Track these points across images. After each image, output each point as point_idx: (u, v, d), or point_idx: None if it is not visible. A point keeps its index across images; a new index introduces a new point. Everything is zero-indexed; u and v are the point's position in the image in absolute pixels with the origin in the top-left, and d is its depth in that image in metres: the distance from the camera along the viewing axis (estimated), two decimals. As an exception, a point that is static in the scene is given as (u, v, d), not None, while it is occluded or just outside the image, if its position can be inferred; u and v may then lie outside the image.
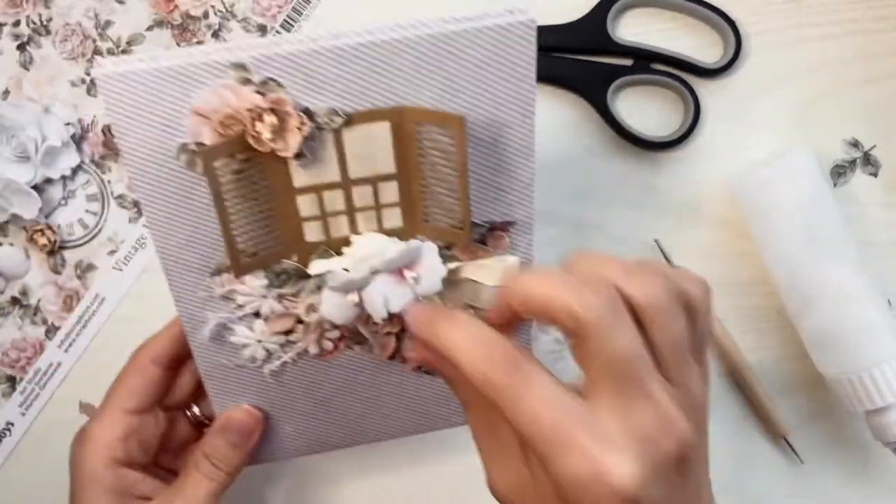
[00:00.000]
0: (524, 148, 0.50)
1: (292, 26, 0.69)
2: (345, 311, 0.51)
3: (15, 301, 0.70)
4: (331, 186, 0.49)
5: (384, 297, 0.49)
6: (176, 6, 0.68)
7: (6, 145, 0.66)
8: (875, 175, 0.68)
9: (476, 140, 0.49)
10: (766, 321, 0.68)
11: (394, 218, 0.51)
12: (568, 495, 0.38)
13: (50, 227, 0.68)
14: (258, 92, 0.45)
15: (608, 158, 0.69)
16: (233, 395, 0.57)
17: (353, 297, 0.50)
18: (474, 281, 0.52)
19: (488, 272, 0.52)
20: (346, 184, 0.49)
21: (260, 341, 0.55)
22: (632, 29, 0.68)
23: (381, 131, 0.48)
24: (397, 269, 0.50)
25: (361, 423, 0.60)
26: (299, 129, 0.46)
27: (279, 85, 0.46)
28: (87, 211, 0.69)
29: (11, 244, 0.69)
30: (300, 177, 0.49)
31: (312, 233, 0.51)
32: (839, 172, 0.68)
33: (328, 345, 0.55)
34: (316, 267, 0.52)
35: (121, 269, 0.70)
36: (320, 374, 0.57)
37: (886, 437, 0.62)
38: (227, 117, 0.46)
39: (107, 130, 0.68)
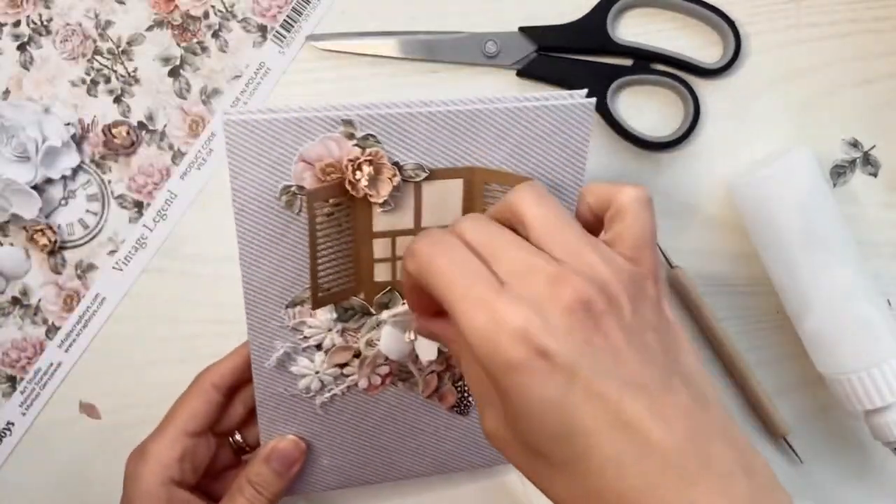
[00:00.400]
0: (572, 206, 0.55)
1: (292, 27, 0.69)
2: (400, 347, 0.58)
3: (15, 301, 0.70)
4: (404, 233, 0.55)
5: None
6: (176, 6, 0.69)
7: (6, 145, 0.66)
8: (875, 175, 0.68)
9: None
10: (765, 321, 0.69)
11: None
12: (479, 353, 0.40)
13: (50, 227, 0.68)
14: (358, 146, 0.52)
15: (608, 158, 0.69)
16: (280, 424, 0.61)
17: (410, 335, 0.57)
18: None
19: None
20: (417, 230, 0.55)
21: (317, 373, 0.59)
22: (632, 29, 0.68)
23: (455, 187, 0.54)
24: None
25: (393, 460, 0.64)
26: (391, 179, 0.52)
27: (377, 141, 0.52)
28: (87, 211, 0.69)
29: (12, 244, 0.69)
30: (380, 222, 0.55)
31: (381, 273, 0.57)
32: (839, 172, 0.68)
33: (377, 380, 0.60)
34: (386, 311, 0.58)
35: (121, 269, 0.70)
36: (364, 407, 0.62)
37: (886, 436, 0.62)
38: (329, 165, 0.52)
39: (107, 130, 0.68)
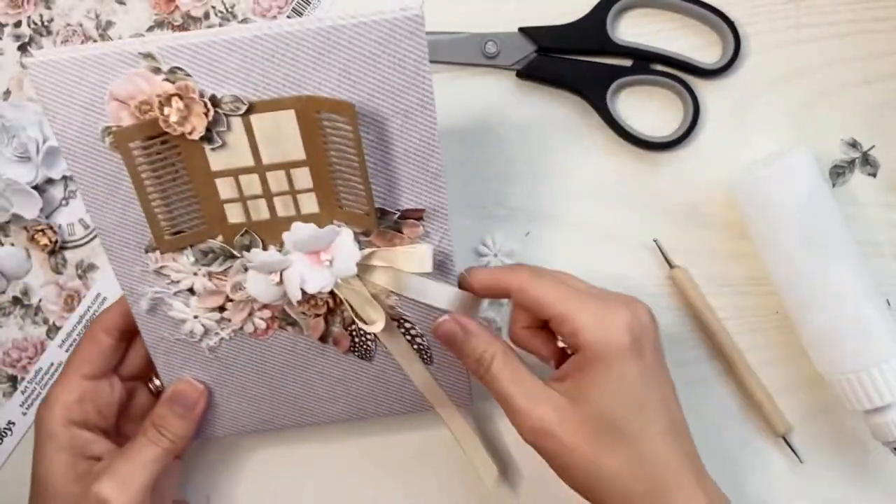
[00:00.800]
0: (428, 137, 0.54)
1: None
2: (268, 291, 0.56)
3: (16, 301, 0.70)
4: (246, 171, 0.54)
5: (301, 278, 0.54)
6: (177, 7, 0.69)
7: (7, 145, 0.66)
8: (874, 175, 0.68)
9: (378, 129, 0.53)
10: (765, 321, 0.69)
11: (310, 204, 0.55)
12: (591, 339, 0.54)
13: (51, 227, 0.68)
14: (167, 80, 0.51)
15: (608, 158, 0.69)
16: (178, 368, 0.62)
17: (275, 278, 0.55)
18: (396, 269, 0.57)
19: (403, 259, 0.57)
20: (260, 169, 0.54)
21: (196, 317, 0.60)
22: (631, 29, 0.68)
23: (288, 119, 0.52)
24: (314, 253, 0.54)
25: (304, 405, 0.64)
26: (205, 114, 0.51)
27: (186, 74, 0.51)
28: (87, 211, 0.69)
29: (13, 244, 0.70)
30: (216, 161, 0.53)
31: (234, 215, 0.55)
32: (838, 172, 0.68)
33: (260, 324, 0.60)
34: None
35: (122, 269, 0.70)
36: (258, 352, 0.62)
37: (886, 436, 0.62)
38: (143, 103, 0.51)
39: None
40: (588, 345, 0.54)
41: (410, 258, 0.57)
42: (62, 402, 0.61)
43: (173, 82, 0.51)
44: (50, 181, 0.69)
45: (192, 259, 0.57)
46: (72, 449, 0.60)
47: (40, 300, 0.70)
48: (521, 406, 0.55)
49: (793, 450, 0.68)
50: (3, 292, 0.70)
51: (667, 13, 0.68)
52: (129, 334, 0.63)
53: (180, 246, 0.56)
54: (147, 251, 0.57)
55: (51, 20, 0.69)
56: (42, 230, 0.68)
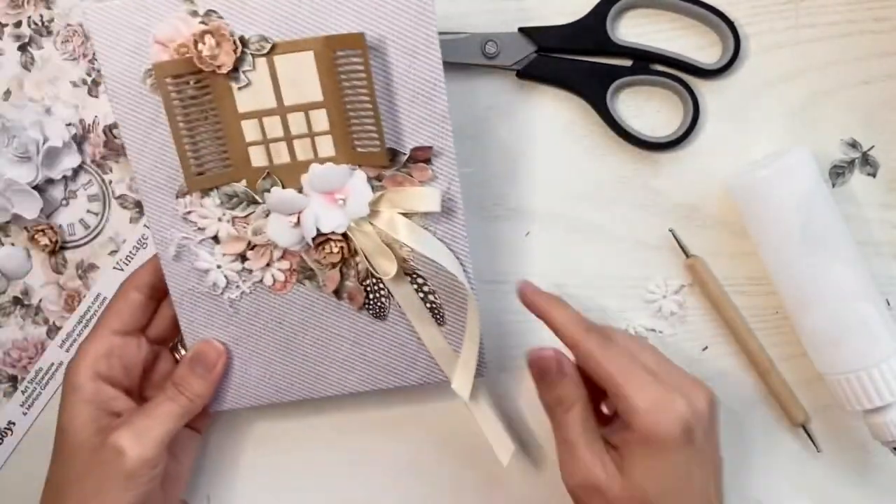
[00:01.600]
0: (433, 78, 0.58)
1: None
2: (287, 234, 0.60)
3: (16, 301, 0.70)
4: (269, 112, 0.58)
5: (315, 217, 0.59)
6: (177, 7, 0.69)
7: (8, 146, 0.66)
8: (873, 175, 0.68)
9: (387, 70, 0.58)
10: (765, 321, 0.69)
11: (327, 146, 0.59)
12: (643, 421, 0.55)
13: (51, 228, 0.69)
14: (202, 23, 0.57)
15: (608, 158, 0.69)
16: (201, 325, 0.64)
17: (293, 219, 0.59)
18: (408, 219, 0.60)
19: (412, 198, 0.60)
20: (281, 110, 0.58)
21: (219, 266, 0.62)
22: (631, 30, 0.68)
23: (307, 59, 0.57)
24: (329, 194, 0.59)
25: (319, 371, 0.65)
26: (234, 50, 0.56)
27: (219, 16, 0.57)
28: (88, 211, 0.70)
29: (13, 244, 0.70)
30: (243, 102, 0.58)
31: (257, 158, 0.59)
32: (838, 173, 0.68)
33: (279, 275, 0.62)
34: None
35: (122, 269, 0.70)
36: (276, 309, 0.64)
37: (885, 436, 0.62)
38: (181, 45, 0.57)
39: (108, 131, 0.68)
40: (639, 429, 0.55)
41: (419, 198, 0.60)
42: (91, 355, 0.62)
43: (207, 24, 0.56)
44: (50, 181, 0.69)
45: (217, 202, 0.60)
46: (96, 402, 0.61)
47: (41, 300, 0.70)
48: (582, 456, 0.57)
49: (811, 439, 0.68)
50: (4, 292, 0.70)
51: (667, 13, 0.68)
52: (158, 293, 0.65)
53: (208, 185, 0.60)
54: (177, 196, 0.60)
55: (51, 20, 0.69)
56: (42, 230, 0.69)
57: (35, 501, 0.68)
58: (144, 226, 0.69)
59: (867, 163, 0.68)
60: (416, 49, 0.57)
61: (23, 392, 0.70)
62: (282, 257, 0.62)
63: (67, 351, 0.70)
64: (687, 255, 0.68)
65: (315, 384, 0.65)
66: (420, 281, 0.63)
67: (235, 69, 0.57)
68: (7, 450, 0.70)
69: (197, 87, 0.57)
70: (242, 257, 0.62)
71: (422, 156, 0.59)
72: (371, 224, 0.60)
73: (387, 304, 0.63)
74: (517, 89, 0.69)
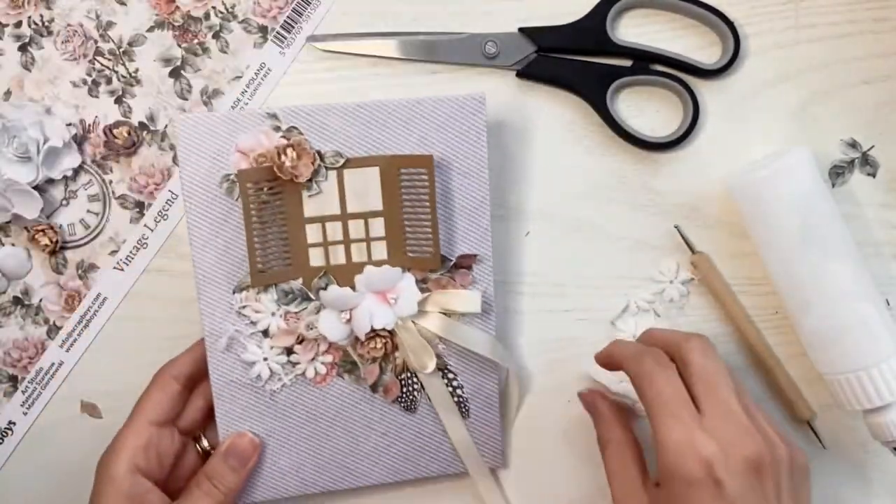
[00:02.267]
0: (481, 196, 0.65)
1: (293, 27, 0.69)
2: (338, 328, 0.64)
3: (17, 301, 0.70)
4: (333, 218, 0.63)
5: (370, 314, 0.63)
6: (177, 7, 0.69)
7: (8, 146, 0.66)
8: (873, 175, 0.68)
9: (443, 187, 0.64)
10: (765, 321, 0.69)
11: (380, 251, 0.64)
12: (666, 460, 0.53)
13: (51, 227, 0.69)
14: (284, 137, 0.62)
15: (608, 158, 0.69)
16: (237, 418, 0.66)
17: (346, 315, 0.63)
18: (444, 314, 0.65)
19: (456, 300, 0.64)
20: (344, 217, 0.63)
21: (266, 359, 0.65)
22: (631, 30, 0.68)
23: (373, 174, 0.63)
24: (381, 293, 0.63)
25: (350, 464, 0.68)
26: (312, 162, 0.61)
27: (300, 132, 0.62)
28: (88, 211, 0.70)
29: (13, 244, 0.70)
30: (310, 208, 0.63)
31: (316, 258, 0.64)
32: (837, 173, 0.68)
33: (321, 368, 0.65)
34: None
35: (122, 269, 0.70)
36: (313, 401, 0.66)
37: (885, 436, 0.62)
38: (260, 155, 0.62)
39: (108, 131, 0.68)
40: (661, 466, 0.54)
41: (463, 300, 0.64)
42: (130, 447, 0.62)
43: (289, 139, 0.62)
44: (50, 181, 0.69)
45: (274, 297, 0.64)
46: (132, 497, 0.61)
47: (41, 300, 0.70)
48: (614, 493, 0.60)
49: (817, 435, 0.68)
50: (4, 292, 0.70)
51: (667, 13, 0.68)
52: (192, 383, 0.66)
53: (269, 282, 0.63)
54: (234, 292, 0.64)
55: (51, 20, 0.69)
56: (43, 230, 0.68)
57: (36, 501, 0.68)
58: (145, 225, 0.69)
59: (867, 163, 0.68)
60: (469, 171, 0.64)
61: (23, 392, 0.70)
62: (326, 351, 0.65)
63: (67, 351, 0.70)
64: (693, 250, 0.68)
65: (342, 476, 0.68)
66: (451, 376, 0.67)
67: (310, 179, 0.62)
68: (7, 450, 0.70)
69: (270, 193, 0.62)
70: (289, 351, 0.65)
71: (466, 263, 0.65)
72: (413, 322, 0.64)
73: (418, 398, 0.67)
74: (517, 89, 0.69)
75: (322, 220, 0.63)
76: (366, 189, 0.63)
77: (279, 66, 0.69)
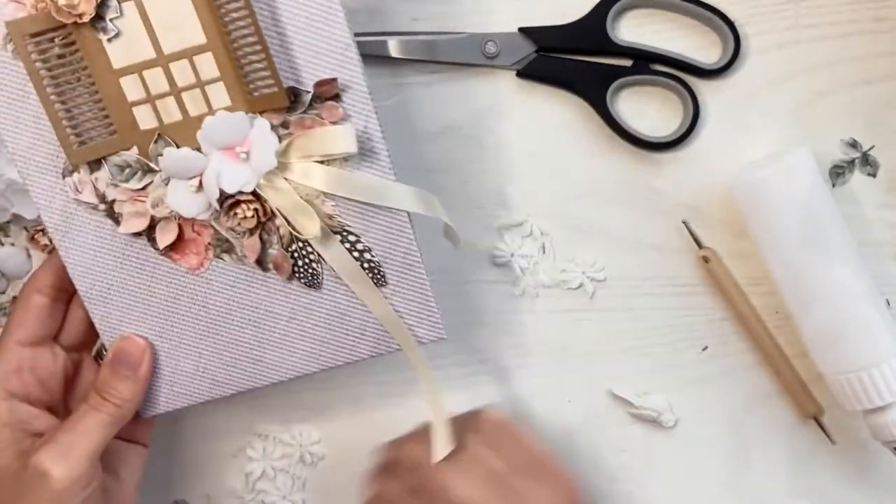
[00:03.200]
0: (331, 7, 0.52)
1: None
2: (190, 200, 0.53)
3: (16, 301, 0.70)
4: (149, 64, 0.52)
5: (217, 175, 0.52)
6: None
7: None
8: (873, 175, 0.68)
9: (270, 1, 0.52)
10: (765, 321, 0.69)
11: (221, 96, 0.53)
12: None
13: (51, 228, 0.69)
14: None
15: (608, 158, 0.69)
16: (116, 321, 0.58)
17: (194, 182, 0.53)
18: (326, 165, 0.54)
19: (322, 141, 0.53)
20: (162, 60, 0.52)
21: None
22: (631, 30, 0.68)
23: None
24: (229, 148, 0.52)
25: (257, 355, 0.60)
26: None
27: None
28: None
29: (13, 244, 0.70)
30: (117, 57, 0.52)
31: (145, 120, 0.54)
32: (838, 173, 0.68)
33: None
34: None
35: (122, 269, 0.70)
36: (197, 292, 0.58)
37: (885, 436, 0.62)
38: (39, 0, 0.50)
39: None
40: None
41: (331, 139, 0.54)
42: None
43: None
44: (50, 181, 0.69)
45: (108, 176, 0.55)
46: (13, 424, 0.56)
47: (40, 300, 0.70)
48: None
49: (825, 431, 0.68)
50: (4, 292, 0.70)
51: (667, 13, 0.68)
52: (64, 293, 0.60)
53: (93, 157, 0.54)
54: (63, 176, 0.55)
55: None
56: (42, 230, 0.69)
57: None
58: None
59: (867, 163, 0.68)
60: None
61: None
62: (192, 230, 0.56)
63: (67, 351, 0.70)
64: (700, 245, 0.68)
65: (255, 371, 0.60)
66: (352, 238, 0.57)
67: (100, 17, 0.51)
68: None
69: (63, 45, 0.51)
70: (149, 237, 0.56)
71: (327, 92, 0.53)
72: (284, 179, 0.54)
73: (319, 271, 0.58)
74: (517, 89, 0.69)
75: (136, 68, 0.52)
76: (178, 19, 0.51)
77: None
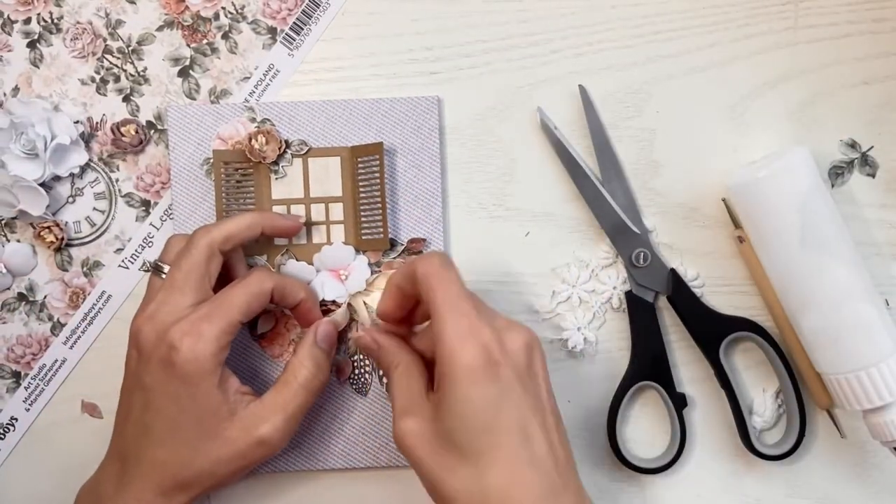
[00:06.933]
0: (433, 188, 0.69)
1: (301, 29, 0.70)
2: None
3: (21, 297, 0.70)
4: (296, 202, 0.69)
5: (322, 285, 0.68)
6: (187, 7, 0.69)
7: (15, 142, 0.67)
8: (873, 176, 0.68)
9: (398, 178, 0.69)
10: (765, 321, 0.69)
11: (339, 233, 0.69)
12: (447, 350, 0.54)
13: (57, 225, 0.69)
14: (257, 127, 0.69)
15: (610, 159, 0.69)
16: None
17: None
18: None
19: None
20: (307, 200, 0.69)
21: None
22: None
23: (334, 163, 0.69)
24: (335, 270, 0.68)
25: (302, 443, 0.69)
26: (279, 147, 0.68)
27: (272, 124, 0.69)
28: (94, 209, 0.70)
29: (19, 240, 0.70)
30: (277, 191, 0.69)
31: (280, 238, 0.69)
32: (837, 173, 0.68)
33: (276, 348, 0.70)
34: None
35: (127, 267, 0.70)
36: (270, 375, 0.70)
37: (885, 436, 0.62)
38: (237, 142, 0.69)
39: (115, 129, 0.69)
40: (440, 358, 0.54)
41: None
42: (221, 344, 0.60)
43: (261, 128, 0.69)
44: (57, 178, 0.69)
45: None
46: (224, 387, 0.61)
47: (45, 297, 0.70)
48: (395, 412, 0.58)
49: (836, 424, 0.68)
50: (9, 288, 0.70)
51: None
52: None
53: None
54: None
55: (60, 17, 0.69)
56: (48, 227, 0.69)
57: (35, 499, 0.68)
58: (150, 224, 0.70)
59: (866, 163, 0.68)
60: (422, 164, 0.69)
61: (26, 388, 0.70)
62: (284, 326, 0.70)
63: (71, 348, 0.70)
64: (737, 225, 0.68)
65: (294, 458, 0.69)
66: None
67: (276, 162, 0.68)
68: (9, 445, 0.70)
69: (242, 175, 0.69)
70: (250, 324, 0.69)
71: (416, 247, 0.69)
72: (365, 303, 0.68)
73: (369, 381, 0.69)
74: (517, 89, 0.69)
75: (288, 202, 0.69)
76: (327, 176, 0.69)
77: (288, 67, 0.70)
